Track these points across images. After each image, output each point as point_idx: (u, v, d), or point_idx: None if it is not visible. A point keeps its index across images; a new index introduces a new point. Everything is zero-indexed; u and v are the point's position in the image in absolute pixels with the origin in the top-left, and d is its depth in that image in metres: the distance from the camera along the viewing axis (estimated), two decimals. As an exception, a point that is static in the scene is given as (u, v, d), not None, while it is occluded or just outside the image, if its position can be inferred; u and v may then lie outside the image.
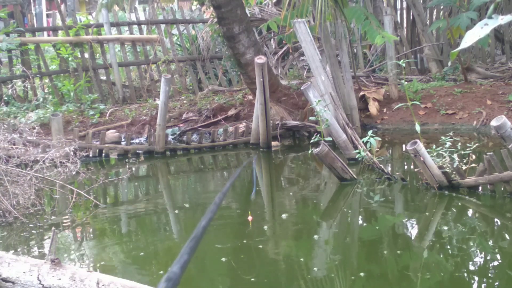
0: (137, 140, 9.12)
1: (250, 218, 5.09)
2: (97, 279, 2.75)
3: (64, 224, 5.38)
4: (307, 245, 4.67)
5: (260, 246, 4.56)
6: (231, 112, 9.65)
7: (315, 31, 8.17)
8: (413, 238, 4.78)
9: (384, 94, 9.49)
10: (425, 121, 8.94)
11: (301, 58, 11.61)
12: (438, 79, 10.31)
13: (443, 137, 5.84)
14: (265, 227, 5.08)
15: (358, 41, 11.63)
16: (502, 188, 5.43)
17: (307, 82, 7.60)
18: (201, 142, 8.55)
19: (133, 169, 7.55)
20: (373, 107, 9.19)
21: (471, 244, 4.47)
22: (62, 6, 16.11)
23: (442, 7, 11.45)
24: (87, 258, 4.59)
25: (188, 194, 6.76)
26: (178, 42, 12.05)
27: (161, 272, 4.16)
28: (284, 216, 5.26)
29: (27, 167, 5.80)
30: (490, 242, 4.53)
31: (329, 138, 6.58)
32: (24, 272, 2.82)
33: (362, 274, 3.95)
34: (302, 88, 7.15)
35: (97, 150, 8.10)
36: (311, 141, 6.50)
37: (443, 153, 5.71)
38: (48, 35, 13.03)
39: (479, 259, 4.23)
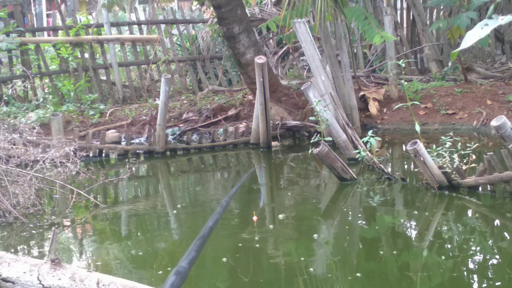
0: (137, 140, 9.12)
1: (255, 218, 5.08)
2: (97, 279, 2.75)
3: (64, 224, 5.38)
4: (307, 245, 4.67)
5: (260, 245, 4.56)
6: (231, 112, 9.65)
7: (315, 31, 8.16)
8: (413, 238, 4.78)
9: (384, 94, 9.49)
10: (425, 121, 8.94)
11: (301, 58, 11.61)
12: (438, 79, 10.31)
13: (443, 137, 5.84)
14: (265, 227, 5.07)
15: (358, 41, 11.63)
16: (503, 189, 5.43)
17: (307, 82, 7.60)
18: (201, 142, 8.55)
19: (133, 169, 7.55)
20: (373, 107, 9.19)
21: (471, 244, 4.47)
22: (62, 6, 16.13)
23: (442, 7, 11.46)
24: (87, 258, 4.59)
25: (188, 194, 6.76)
26: (178, 42, 12.05)
27: (161, 272, 4.16)
28: (284, 216, 5.26)
29: (27, 167, 5.80)
30: (490, 242, 4.53)
31: (329, 138, 6.57)
32: (24, 272, 2.81)
33: (361, 274, 3.95)
34: (302, 88, 7.14)
35: (97, 150, 8.11)
36: (311, 141, 6.49)
37: (443, 153, 5.71)
38: (48, 35, 13.03)
39: (479, 259, 4.22)
